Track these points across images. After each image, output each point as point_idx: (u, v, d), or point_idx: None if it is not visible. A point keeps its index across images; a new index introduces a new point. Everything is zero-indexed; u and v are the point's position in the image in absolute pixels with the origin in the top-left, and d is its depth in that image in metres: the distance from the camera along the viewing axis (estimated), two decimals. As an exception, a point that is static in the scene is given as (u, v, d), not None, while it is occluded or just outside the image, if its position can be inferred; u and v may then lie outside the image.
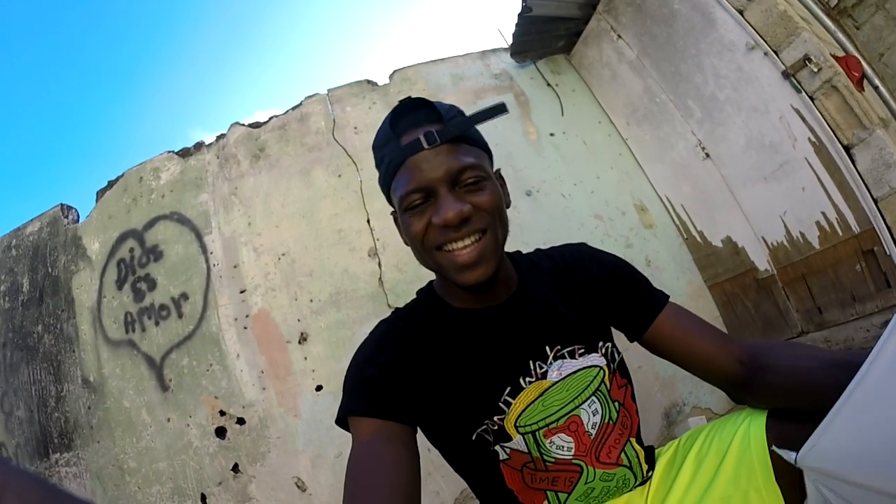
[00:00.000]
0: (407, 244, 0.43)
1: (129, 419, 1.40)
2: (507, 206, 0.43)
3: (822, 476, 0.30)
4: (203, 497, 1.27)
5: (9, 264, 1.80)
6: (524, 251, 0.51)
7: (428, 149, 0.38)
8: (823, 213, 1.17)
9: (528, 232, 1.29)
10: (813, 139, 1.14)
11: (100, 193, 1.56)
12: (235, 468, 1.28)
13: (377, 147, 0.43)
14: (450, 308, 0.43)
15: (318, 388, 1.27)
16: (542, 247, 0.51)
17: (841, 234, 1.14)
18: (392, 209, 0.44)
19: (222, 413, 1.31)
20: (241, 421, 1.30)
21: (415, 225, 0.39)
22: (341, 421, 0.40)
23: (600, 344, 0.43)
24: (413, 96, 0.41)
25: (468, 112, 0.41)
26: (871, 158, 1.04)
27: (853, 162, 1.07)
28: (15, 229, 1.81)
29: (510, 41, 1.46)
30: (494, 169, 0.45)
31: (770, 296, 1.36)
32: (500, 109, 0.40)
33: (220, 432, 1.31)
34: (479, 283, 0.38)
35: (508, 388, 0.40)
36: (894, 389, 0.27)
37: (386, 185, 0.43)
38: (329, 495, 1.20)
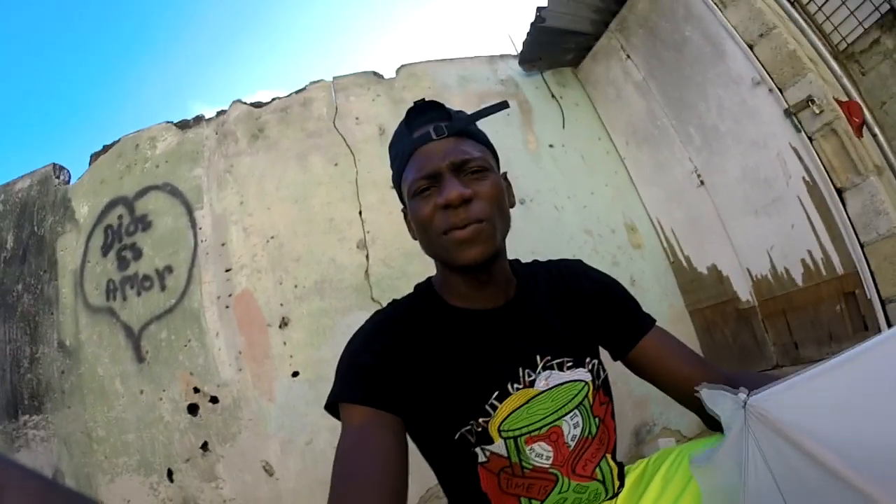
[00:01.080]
0: (415, 238, 0.45)
1: (102, 387, 1.39)
2: (511, 206, 0.45)
3: (765, 428, 0.29)
4: (170, 472, 1.26)
5: (-6, 219, 1.77)
6: (520, 261, 0.52)
7: (436, 139, 0.41)
8: (809, 252, 1.20)
9: (517, 240, 1.28)
10: (807, 178, 1.17)
11: (93, 157, 1.54)
12: (205, 446, 1.28)
13: (392, 146, 0.46)
14: (447, 306, 0.44)
15: (295, 373, 1.27)
16: (531, 256, 0.53)
17: (825, 273, 1.17)
18: (403, 206, 0.46)
19: (196, 390, 1.31)
20: (214, 399, 1.29)
21: (422, 209, 0.40)
22: (331, 407, 0.40)
23: (587, 359, 0.44)
24: (426, 99, 0.44)
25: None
26: (861, 204, 1.07)
27: (844, 205, 1.09)
28: (4, 184, 1.78)
29: (520, 49, 1.47)
30: (501, 171, 0.47)
31: (749, 326, 1.39)
32: (502, 106, 0.45)
33: (193, 409, 1.31)
34: (476, 261, 0.39)
35: (496, 393, 0.41)
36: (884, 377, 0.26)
37: (398, 178, 0.45)
38: (296, 481, 1.20)
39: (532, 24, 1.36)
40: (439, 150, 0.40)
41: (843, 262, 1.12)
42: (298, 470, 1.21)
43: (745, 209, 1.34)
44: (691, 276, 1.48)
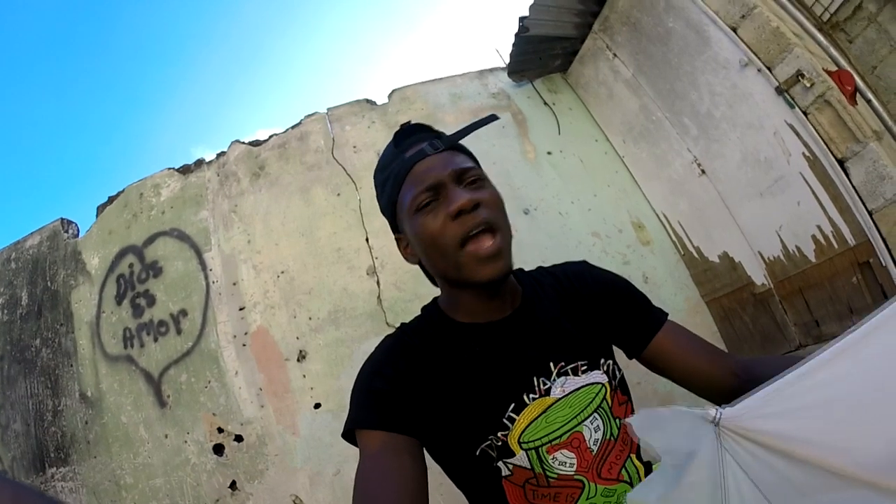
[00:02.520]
0: (412, 262, 0.44)
1: (127, 434, 1.40)
2: None
3: (745, 444, 0.27)
4: (200, 515, 1.26)
5: (8, 277, 1.80)
6: (524, 269, 0.51)
7: (432, 153, 0.41)
8: (819, 227, 1.18)
9: (526, 250, 1.30)
10: (807, 154, 1.16)
11: (100, 208, 1.57)
12: (233, 485, 1.27)
13: (380, 170, 0.45)
14: (454, 323, 0.44)
15: (317, 405, 1.27)
16: (540, 265, 0.52)
17: (836, 246, 1.15)
18: (396, 234, 0.45)
19: (220, 430, 1.31)
20: (238, 438, 1.29)
21: (430, 224, 0.39)
22: (348, 434, 0.41)
23: (602, 361, 0.44)
24: (418, 121, 0.45)
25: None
26: (864, 171, 1.05)
27: (847, 175, 1.08)
28: (15, 242, 1.81)
29: (508, 61, 1.48)
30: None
31: (767, 310, 1.37)
32: (491, 119, 0.45)
33: (218, 449, 1.31)
34: (498, 277, 0.39)
35: (512, 405, 0.40)
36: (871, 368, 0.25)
37: (391, 201, 0.43)
38: (327, 513, 1.20)
39: (516, 35, 1.37)
40: (439, 163, 0.40)
41: (853, 233, 1.10)
42: (329, 501, 1.20)
43: (749, 193, 1.33)
44: (703, 266, 1.47)
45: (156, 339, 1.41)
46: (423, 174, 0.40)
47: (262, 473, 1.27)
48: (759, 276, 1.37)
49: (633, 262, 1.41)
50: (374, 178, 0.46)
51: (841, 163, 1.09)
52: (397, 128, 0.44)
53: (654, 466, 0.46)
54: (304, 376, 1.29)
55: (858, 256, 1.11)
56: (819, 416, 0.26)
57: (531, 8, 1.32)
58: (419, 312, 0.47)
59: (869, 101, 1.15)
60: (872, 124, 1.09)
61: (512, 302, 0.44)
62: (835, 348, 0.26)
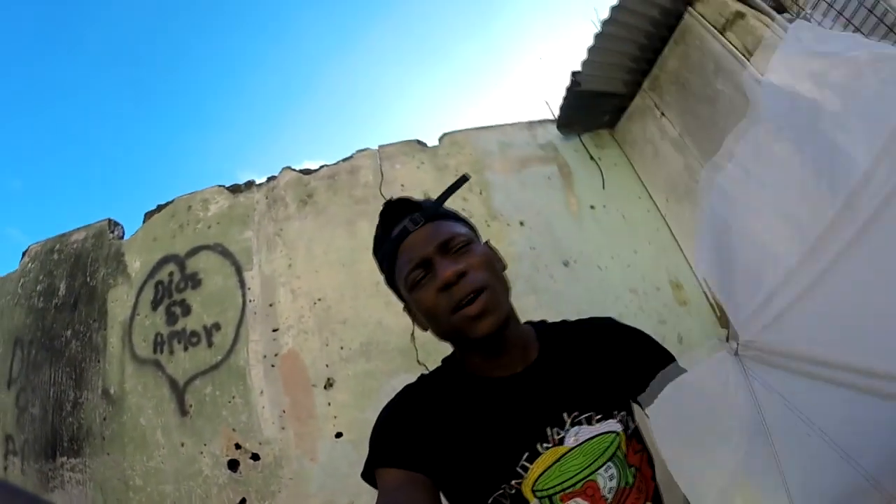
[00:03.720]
0: (424, 329, 0.45)
1: (143, 437, 1.41)
2: (503, 269, 0.46)
3: (761, 365, 0.28)
4: (207, 530, 1.26)
5: (49, 267, 1.86)
6: (558, 320, 0.53)
7: (414, 230, 0.43)
8: None
9: (563, 301, 1.30)
10: None
11: (147, 215, 1.63)
12: (243, 503, 1.27)
13: (376, 254, 0.47)
14: (471, 376, 0.45)
15: (338, 434, 1.27)
16: (577, 317, 0.53)
17: None
18: (404, 304, 0.47)
19: (238, 446, 1.31)
20: (255, 457, 1.30)
21: (424, 298, 0.41)
22: (367, 475, 0.42)
23: (616, 412, 0.44)
24: (394, 198, 0.47)
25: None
26: None
27: None
28: (60, 234, 1.89)
29: (557, 113, 1.51)
30: (483, 241, 0.49)
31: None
32: (463, 180, 0.47)
33: (233, 465, 1.31)
34: (491, 333, 0.40)
35: (526, 454, 0.41)
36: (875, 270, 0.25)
37: (392, 279, 0.46)
38: (336, 547, 1.18)
39: (568, 89, 1.41)
40: (422, 238, 0.42)
41: None
42: (340, 535, 1.18)
43: None
44: (737, 331, 1.45)
45: (186, 349, 1.44)
46: (411, 252, 0.42)
47: (274, 495, 1.26)
48: None
49: (669, 322, 1.39)
50: (374, 256, 0.48)
51: None
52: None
53: None
54: (329, 404, 1.29)
55: None
56: (821, 324, 0.27)
57: (584, 63, 1.36)
58: (450, 353, 0.49)
59: None
60: None
61: (525, 356, 0.45)
62: (820, 237, 0.26)
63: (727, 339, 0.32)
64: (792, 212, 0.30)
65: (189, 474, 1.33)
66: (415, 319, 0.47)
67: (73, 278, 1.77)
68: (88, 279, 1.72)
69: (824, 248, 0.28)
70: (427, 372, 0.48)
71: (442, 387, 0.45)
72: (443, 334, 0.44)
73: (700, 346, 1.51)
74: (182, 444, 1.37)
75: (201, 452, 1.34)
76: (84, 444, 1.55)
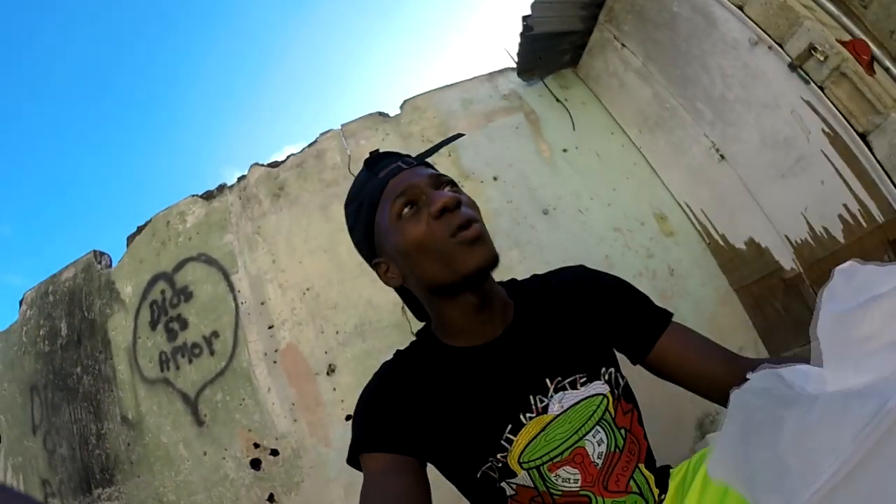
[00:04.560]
0: (393, 285, 0.43)
1: (168, 454, 1.44)
2: None
3: None
4: (242, 529, 1.29)
5: (47, 309, 1.88)
6: (544, 271, 0.51)
7: (406, 168, 0.42)
8: (845, 206, 1.12)
9: (547, 251, 1.29)
10: (826, 130, 1.10)
11: (130, 239, 1.63)
12: (271, 498, 1.30)
13: (351, 200, 0.44)
14: (446, 348, 0.43)
15: (348, 417, 1.29)
16: (560, 266, 0.51)
17: (865, 225, 1.09)
18: (373, 260, 0.44)
19: (256, 445, 1.34)
20: (274, 452, 1.32)
21: (414, 230, 0.39)
22: (353, 461, 0.41)
23: (603, 370, 0.43)
24: (381, 150, 0.45)
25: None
26: (888, 144, 0.99)
27: (870, 149, 1.02)
28: (51, 276, 1.90)
29: (516, 60, 1.47)
30: None
31: (799, 296, 1.31)
32: (457, 136, 0.48)
33: (255, 464, 1.34)
34: (485, 265, 0.39)
35: (509, 426, 0.40)
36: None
37: (367, 224, 0.43)
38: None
39: (522, 34, 1.36)
40: (414, 173, 0.41)
41: (881, 210, 1.03)
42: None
43: (770, 175, 1.27)
44: (730, 254, 1.43)
45: (190, 361, 1.46)
46: (400, 185, 0.40)
47: (299, 485, 1.29)
48: (787, 261, 1.32)
49: (658, 255, 1.38)
50: (346, 210, 0.45)
51: (863, 136, 1.03)
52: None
53: (671, 472, 0.44)
54: (335, 389, 1.31)
55: (888, 234, 1.05)
56: None
57: (533, 6, 1.31)
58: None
59: (887, 70, 1.09)
60: (893, 93, 1.03)
61: (503, 317, 0.43)
62: (861, 444, 0.22)
63: None
64: (825, 426, 0.24)
65: (216, 480, 1.36)
66: (385, 274, 0.43)
67: (71, 316, 1.79)
68: (86, 313, 1.74)
69: (858, 451, 0.24)
70: (399, 349, 0.47)
71: (419, 362, 0.44)
72: (429, 276, 0.40)
73: (692, 276, 1.48)
74: (205, 454, 1.39)
75: (223, 458, 1.37)
76: (115, 472, 1.59)
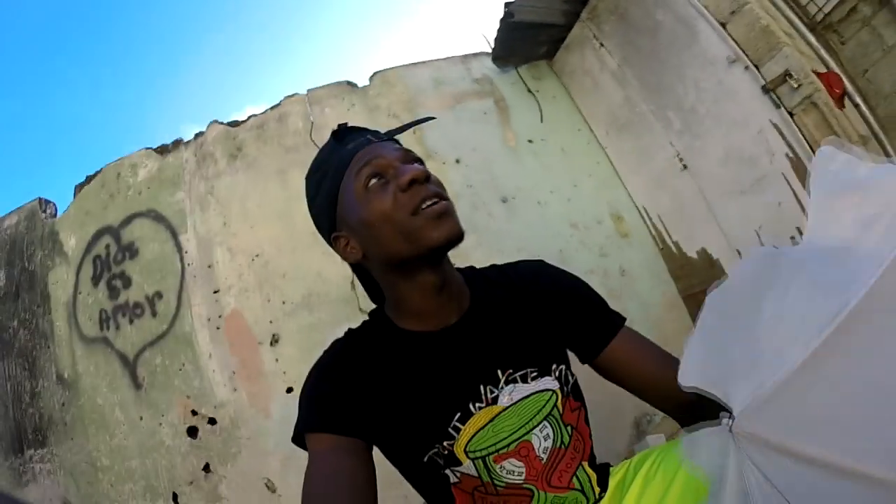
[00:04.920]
0: (351, 259, 0.42)
1: (103, 417, 1.39)
2: None
3: (756, 447, 0.28)
4: (175, 496, 1.26)
5: (-14, 257, 1.78)
6: (497, 259, 0.50)
7: (376, 141, 0.41)
8: (798, 229, 1.18)
9: (503, 239, 1.29)
10: (790, 154, 1.15)
11: (78, 188, 1.55)
12: (207, 468, 1.27)
13: (314, 170, 0.43)
14: (400, 331, 0.43)
15: (289, 389, 1.27)
16: (518, 254, 0.51)
17: None
18: (332, 234, 0.42)
19: (194, 413, 1.31)
20: (212, 421, 1.29)
21: (380, 202, 0.38)
22: (297, 439, 0.40)
23: (553, 366, 0.43)
24: (350, 124, 0.43)
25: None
26: None
27: None
28: (-7, 221, 1.79)
29: (492, 46, 1.46)
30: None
31: (745, 307, 1.37)
32: (427, 119, 0.47)
33: (192, 432, 1.30)
34: (449, 240, 0.38)
35: (458, 414, 0.40)
36: (860, 358, 0.25)
37: (330, 196, 0.41)
38: (298, 497, 1.18)
39: (502, 21, 1.35)
40: (383, 147, 0.41)
41: None
42: (300, 485, 1.20)
43: (730, 190, 1.32)
44: (682, 261, 1.47)
45: (131, 322, 1.40)
46: (369, 157, 0.39)
47: (235, 456, 1.27)
48: None
49: (611, 255, 1.40)
50: (307, 180, 0.44)
51: None
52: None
53: (610, 471, 0.45)
54: (277, 360, 1.28)
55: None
56: (818, 416, 0.26)
57: (517, -6, 1.30)
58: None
59: (857, 106, 1.13)
60: (859, 129, 1.08)
61: (459, 303, 0.43)
62: (825, 339, 0.26)
63: (725, 416, 0.31)
64: (795, 316, 0.28)
65: (152, 446, 1.32)
66: (344, 249, 0.42)
67: (11, 266, 1.70)
68: (27, 264, 1.65)
69: (823, 345, 0.26)
70: (351, 328, 0.45)
71: (371, 343, 0.43)
72: (391, 251, 0.39)
73: (642, 278, 1.52)
74: (141, 418, 1.35)
75: (160, 424, 1.33)
76: (48, 433, 1.52)
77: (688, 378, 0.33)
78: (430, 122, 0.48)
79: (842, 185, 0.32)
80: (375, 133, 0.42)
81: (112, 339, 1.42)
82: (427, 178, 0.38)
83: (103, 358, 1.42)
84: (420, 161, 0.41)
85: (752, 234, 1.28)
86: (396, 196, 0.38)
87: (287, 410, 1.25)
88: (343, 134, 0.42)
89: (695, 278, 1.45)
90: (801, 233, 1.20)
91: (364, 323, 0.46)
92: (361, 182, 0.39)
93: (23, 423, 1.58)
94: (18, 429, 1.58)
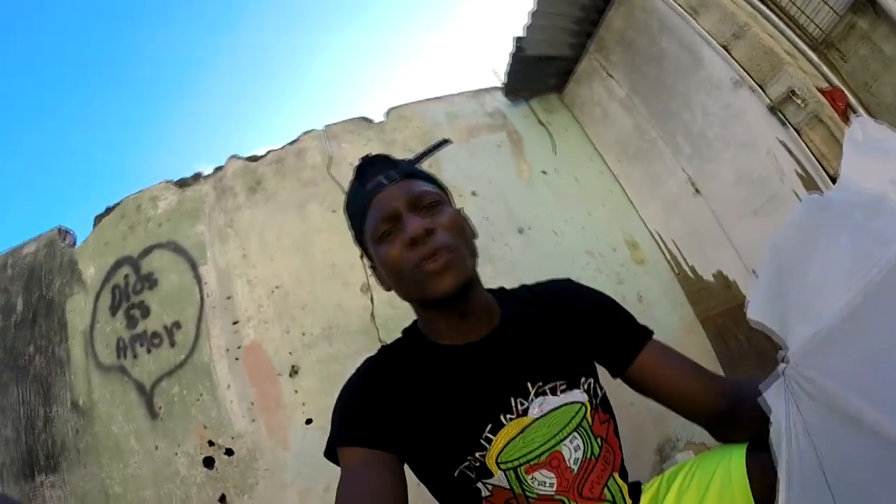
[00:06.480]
0: (388, 288, 0.45)
1: (117, 445, 1.39)
2: (474, 237, 0.46)
3: (804, 394, 0.28)
4: (189, 529, 1.25)
5: (3, 283, 1.80)
6: (505, 289, 0.52)
7: (388, 184, 0.44)
8: None
9: (520, 269, 1.30)
10: (800, 171, 1.16)
11: (97, 219, 1.58)
12: (223, 499, 1.26)
13: (348, 207, 0.47)
14: (432, 345, 0.45)
15: (308, 421, 1.27)
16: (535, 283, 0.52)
17: None
18: (370, 263, 0.47)
19: (211, 443, 1.30)
20: (229, 452, 1.29)
21: (389, 252, 0.41)
22: (330, 453, 0.42)
23: (582, 380, 0.44)
24: (371, 154, 0.47)
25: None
26: None
27: None
28: (12, 249, 1.82)
29: (504, 80, 1.50)
30: (457, 207, 0.49)
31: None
32: (442, 144, 0.49)
33: (209, 462, 1.30)
34: (451, 291, 0.40)
35: (489, 426, 0.41)
36: None
37: (360, 232, 0.46)
38: (316, 531, 1.18)
39: (512, 55, 1.39)
40: (393, 193, 0.43)
41: None
42: (319, 519, 1.19)
43: (742, 211, 1.33)
44: (698, 285, 1.47)
45: (149, 351, 1.41)
46: (381, 205, 0.42)
47: (252, 488, 1.26)
48: None
49: (627, 282, 1.41)
50: (345, 212, 0.48)
51: (834, 179, 1.09)
52: (394, 145, 0.48)
53: (642, 487, 0.46)
54: (296, 392, 1.29)
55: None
56: (863, 364, 0.27)
57: (527, 28, 1.34)
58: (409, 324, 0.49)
59: None
60: None
61: (489, 322, 0.45)
62: (875, 286, 0.26)
63: (780, 360, 0.32)
64: (845, 260, 0.30)
65: (166, 477, 1.31)
66: (379, 279, 0.47)
67: (29, 293, 1.72)
68: (45, 292, 1.67)
69: (873, 292, 0.27)
70: (384, 345, 0.48)
71: (403, 358, 0.45)
72: (406, 292, 0.43)
73: (660, 304, 1.53)
74: (156, 448, 1.35)
75: (176, 454, 1.33)
76: (60, 460, 1.52)
77: (753, 313, 0.34)
78: (446, 154, 0.51)
79: (873, 149, 0.34)
80: (390, 172, 0.44)
81: (129, 367, 1.42)
82: (428, 233, 0.40)
83: (120, 387, 1.43)
84: (435, 202, 0.43)
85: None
86: (402, 250, 0.41)
87: (306, 442, 1.24)
88: (364, 171, 0.45)
89: (712, 301, 1.46)
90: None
91: (398, 339, 0.49)
92: (375, 232, 0.42)
93: (35, 449, 1.57)
94: (30, 454, 1.58)
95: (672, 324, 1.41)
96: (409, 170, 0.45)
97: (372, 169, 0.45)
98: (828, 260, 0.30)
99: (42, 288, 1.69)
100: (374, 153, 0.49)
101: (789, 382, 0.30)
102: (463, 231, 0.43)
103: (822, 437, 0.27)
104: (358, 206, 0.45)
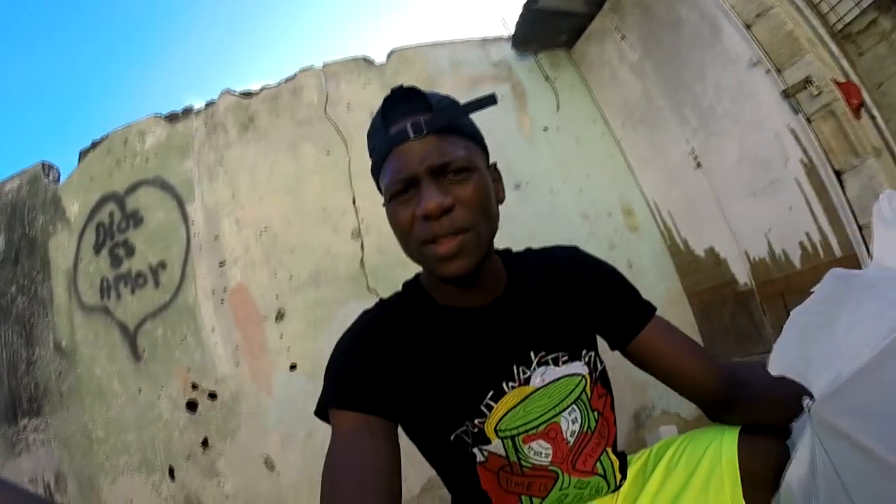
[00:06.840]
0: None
1: (100, 387, 1.38)
2: (500, 202, 0.43)
3: (830, 433, 0.30)
4: (171, 470, 1.26)
5: (-15, 221, 1.75)
6: (508, 244, 0.50)
7: (414, 139, 0.37)
8: (807, 234, 1.18)
9: (513, 224, 1.28)
10: (805, 160, 1.15)
11: (83, 154, 1.52)
12: (205, 443, 1.27)
13: (369, 136, 0.43)
14: (435, 305, 0.42)
15: (293, 366, 1.26)
16: (527, 240, 0.51)
17: (823, 256, 1.15)
18: (384, 204, 0.43)
19: (194, 386, 1.30)
20: (212, 395, 1.28)
21: (400, 215, 0.38)
22: (321, 412, 0.39)
23: (584, 352, 0.43)
24: (405, 85, 0.40)
25: (463, 100, 0.40)
26: (860, 186, 1.05)
27: (842, 187, 1.07)
28: (-7, 185, 1.76)
29: (513, 31, 1.44)
30: (491, 162, 0.44)
31: (747, 309, 1.38)
32: (490, 100, 0.40)
33: (192, 406, 1.30)
34: (459, 276, 0.38)
35: (491, 392, 0.40)
36: None
37: (375, 174, 0.43)
38: (297, 475, 1.20)
39: (524, 6, 1.34)
40: (417, 153, 0.37)
41: (841, 245, 1.10)
42: (299, 464, 1.20)
43: (742, 191, 1.32)
44: (689, 258, 1.47)
45: (133, 291, 1.38)
46: (400, 162, 0.37)
47: (235, 432, 1.26)
48: (742, 275, 1.37)
49: (619, 247, 1.41)
50: (367, 140, 0.44)
51: (838, 174, 1.08)
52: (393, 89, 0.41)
53: (629, 459, 0.46)
54: (282, 336, 1.27)
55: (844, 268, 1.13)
56: (883, 410, 0.28)
57: (541, -21, 1.28)
58: (401, 279, 0.46)
59: (873, 118, 1.14)
60: (874, 140, 1.08)
61: (496, 288, 0.43)
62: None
63: (807, 399, 0.33)
64: (868, 323, 0.32)
65: (149, 420, 1.31)
66: (390, 220, 0.42)
67: (11, 231, 1.67)
68: (27, 229, 1.62)
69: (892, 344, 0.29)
70: (383, 298, 0.45)
71: (404, 316, 0.42)
72: (410, 257, 0.41)
73: (649, 273, 1.53)
74: (139, 390, 1.34)
75: (159, 396, 1.32)
76: (43, 403, 1.50)
77: (775, 368, 0.35)
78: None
79: None
80: (418, 124, 0.37)
81: (113, 308, 1.40)
82: (443, 212, 0.36)
83: (103, 327, 1.41)
84: (462, 169, 0.37)
85: (762, 236, 1.29)
86: (414, 219, 0.37)
87: (290, 388, 1.24)
88: (391, 105, 0.39)
89: (700, 276, 1.46)
90: (809, 238, 1.23)
91: (397, 294, 0.45)
92: (390, 187, 0.38)
93: (17, 392, 1.56)
94: (13, 397, 1.57)
95: (658, 293, 1.41)
96: (442, 123, 0.37)
97: (400, 109, 0.38)
98: (851, 325, 0.32)
99: (25, 226, 1.64)
100: (373, 95, 0.43)
101: (813, 419, 0.31)
102: (487, 204, 0.39)
103: (850, 473, 0.28)
104: (377, 148, 0.40)
